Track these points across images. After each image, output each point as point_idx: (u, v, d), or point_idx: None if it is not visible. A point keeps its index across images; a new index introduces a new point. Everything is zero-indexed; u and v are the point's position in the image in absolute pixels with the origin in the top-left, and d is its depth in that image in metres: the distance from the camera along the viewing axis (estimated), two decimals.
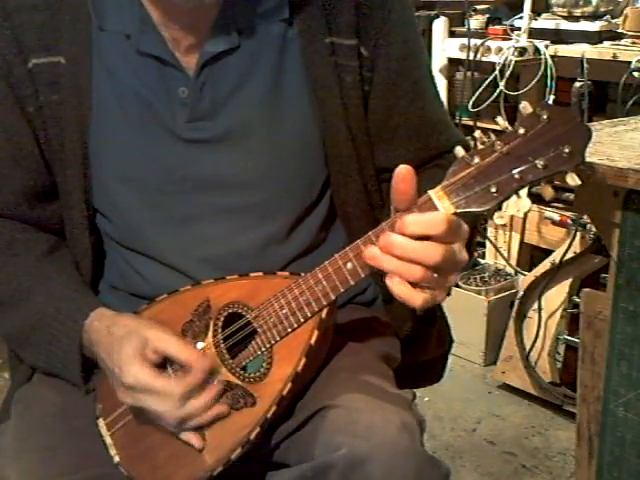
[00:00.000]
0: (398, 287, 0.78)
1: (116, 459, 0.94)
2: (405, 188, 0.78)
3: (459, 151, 0.78)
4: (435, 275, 0.78)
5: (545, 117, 0.74)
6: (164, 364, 0.91)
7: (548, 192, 0.75)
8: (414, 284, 0.78)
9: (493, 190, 0.76)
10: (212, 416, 0.89)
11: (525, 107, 0.75)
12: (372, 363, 0.99)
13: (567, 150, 0.73)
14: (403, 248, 0.77)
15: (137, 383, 0.88)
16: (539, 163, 0.74)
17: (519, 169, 0.75)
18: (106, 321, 0.94)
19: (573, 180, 0.74)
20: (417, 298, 0.79)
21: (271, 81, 0.97)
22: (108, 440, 0.95)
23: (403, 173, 0.78)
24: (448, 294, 0.96)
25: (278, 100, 0.97)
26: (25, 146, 1.00)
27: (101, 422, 0.96)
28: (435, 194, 0.78)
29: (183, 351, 0.89)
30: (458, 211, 0.77)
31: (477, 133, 0.76)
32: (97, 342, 0.93)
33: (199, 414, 0.88)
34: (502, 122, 0.76)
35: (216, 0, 0.93)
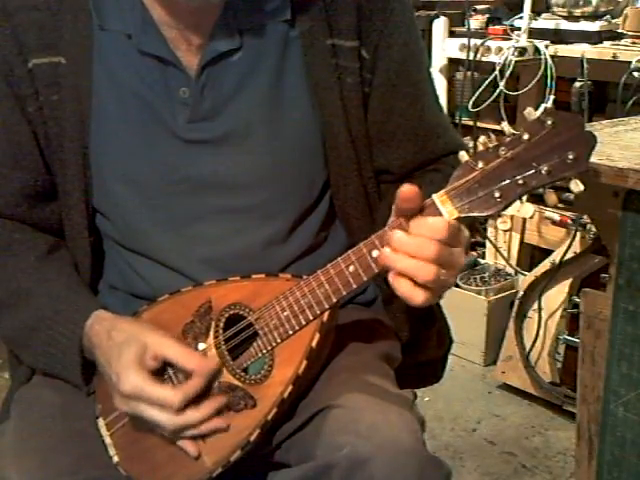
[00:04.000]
0: (403, 284, 0.79)
1: (115, 459, 0.94)
2: (409, 207, 0.78)
3: (463, 156, 0.78)
4: (442, 273, 0.78)
5: (550, 123, 0.74)
6: (164, 368, 0.90)
7: (551, 199, 0.75)
8: (418, 283, 0.79)
9: (497, 195, 0.76)
10: (209, 429, 0.89)
11: (530, 113, 0.75)
12: (373, 363, 0.99)
13: (571, 156, 0.73)
14: (417, 246, 0.77)
15: (134, 391, 0.87)
16: (543, 169, 0.74)
17: (523, 175, 0.75)
18: (106, 324, 0.94)
19: (577, 186, 0.73)
20: (419, 296, 0.79)
21: (272, 82, 0.97)
22: (107, 440, 0.95)
23: (407, 194, 0.77)
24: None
25: (279, 101, 0.97)
26: (25, 146, 1.00)
27: (101, 422, 0.96)
28: (439, 198, 0.78)
29: (183, 356, 0.89)
30: (462, 215, 0.77)
31: (482, 138, 0.76)
32: (98, 346, 0.93)
33: (196, 426, 0.88)
34: (507, 129, 0.76)
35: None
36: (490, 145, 0.76)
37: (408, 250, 0.78)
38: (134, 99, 0.97)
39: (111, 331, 0.92)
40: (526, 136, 0.75)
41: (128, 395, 0.88)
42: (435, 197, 0.78)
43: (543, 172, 0.74)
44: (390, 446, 0.83)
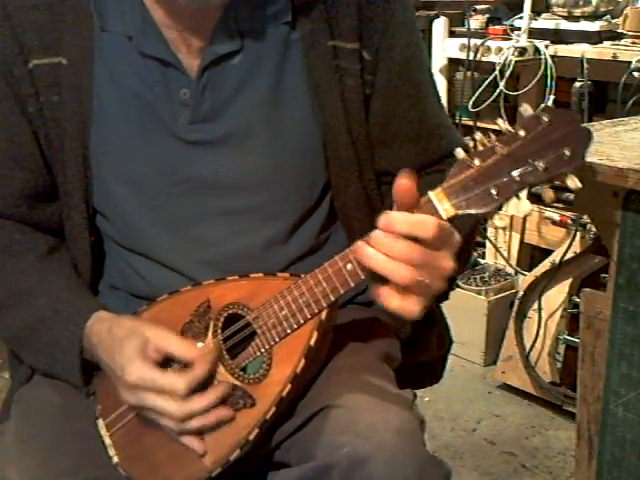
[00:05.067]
0: (381, 288, 0.79)
1: (115, 460, 0.94)
2: (407, 200, 0.78)
3: (459, 153, 0.77)
4: (419, 279, 0.77)
5: (546, 119, 0.74)
6: (166, 364, 0.90)
7: (549, 195, 0.75)
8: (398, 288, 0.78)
9: (493, 192, 0.75)
10: (215, 418, 0.88)
11: (526, 109, 0.75)
12: (373, 363, 0.99)
13: (568, 152, 0.73)
14: (387, 246, 0.77)
15: (140, 381, 0.87)
16: (539, 165, 0.74)
17: (519, 171, 0.75)
18: (106, 323, 0.94)
19: (573, 183, 0.73)
20: (394, 301, 0.79)
21: (273, 84, 0.97)
22: (107, 440, 0.95)
23: (404, 184, 0.77)
24: (442, 300, 0.96)
25: (279, 102, 0.97)
26: (26, 146, 1.00)
27: (100, 422, 0.96)
28: (435, 195, 0.78)
29: (184, 348, 0.89)
30: (459, 213, 0.77)
31: (478, 135, 0.76)
32: (98, 344, 0.93)
33: (202, 413, 0.88)
34: (503, 125, 0.76)
35: (221, 1, 0.93)
36: (486, 142, 0.76)
37: (380, 248, 0.77)
38: (135, 100, 0.97)
39: (111, 328, 0.92)
40: (522, 132, 0.75)
41: (134, 385, 0.88)
42: (431, 194, 0.78)
43: (539, 168, 0.74)
44: (390, 446, 0.83)
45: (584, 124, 0.75)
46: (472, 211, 0.77)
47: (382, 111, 1.02)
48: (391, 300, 0.79)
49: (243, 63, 0.96)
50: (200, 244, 0.99)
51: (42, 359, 0.99)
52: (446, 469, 0.88)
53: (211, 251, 0.99)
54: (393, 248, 0.77)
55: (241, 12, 0.95)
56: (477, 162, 0.76)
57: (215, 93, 0.96)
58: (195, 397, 0.87)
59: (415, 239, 0.77)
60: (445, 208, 0.77)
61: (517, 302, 2.32)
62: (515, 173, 0.75)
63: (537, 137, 0.74)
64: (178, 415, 0.87)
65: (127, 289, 1.05)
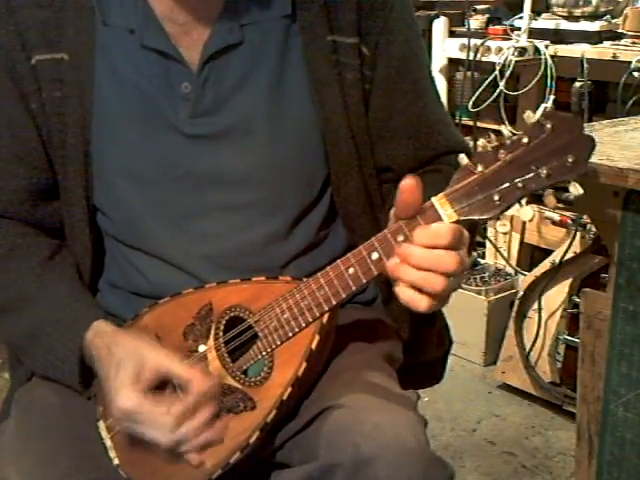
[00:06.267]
0: (406, 292, 0.80)
1: (116, 461, 0.94)
2: (411, 199, 0.78)
3: (463, 159, 0.78)
4: (450, 281, 0.79)
5: (549, 126, 0.74)
6: (162, 386, 0.89)
7: (550, 201, 0.75)
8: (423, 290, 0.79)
9: (496, 198, 0.76)
10: (202, 442, 0.88)
11: (529, 116, 0.75)
12: (376, 363, 0.99)
13: (570, 159, 0.74)
14: (420, 258, 0.78)
15: (130, 408, 0.86)
16: (542, 172, 0.74)
17: (522, 178, 0.75)
18: (107, 338, 0.93)
19: (576, 189, 0.74)
20: (423, 303, 0.80)
21: (273, 78, 0.97)
22: (108, 442, 0.95)
23: (409, 184, 0.78)
24: None
25: (280, 97, 0.97)
26: (29, 143, 1.00)
27: (101, 424, 0.96)
28: (438, 201, 0.78)
29: (183, 370, 0.88)
30: (461, 218, 0.77)
31: (481, 141, 0.76)
32: (98, 358, 0.92)
33: (190, 439, 0.87)
34: (507, 132, 0.76)
35: None
36: (489, 147, 0.76)
37: (410, 261, 0.78)
38: (136, 94, 0.97)
39: (110, 346, 0.91)
40: (525, 139, 0.75)
41: (123, 412, 0.87)
42: (434, 200, 0.78)
43: (542, 175, 0.74)
44: (395, 446, 0.83)
45: (585, 129, 0.75)
46: (475, 217, 0.77)
47: (381, 106, 1.02)
48: (420, 303, 0.80)
49: (244, 56, 0.96)
50: (200, 239, 0.99)
51: (42, 365, 0.99)
52: (450, 470, 0.88)
53: (211, 246, 0.99)
54: (423, 259, 0.78)
55: (241, 5, 0.95)
56: (480, 168, 0.76)
57: (216, 87, 0.96)
58: (184, 427, 0.86)
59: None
60: (447, 214, 0.78)
61: (517, 302, 2.32)
62: (518, 180, 0.75)
63: (540, 144, 0.75)
64: (167, 444, 0.87)
65: (127, 287, 1.04)
